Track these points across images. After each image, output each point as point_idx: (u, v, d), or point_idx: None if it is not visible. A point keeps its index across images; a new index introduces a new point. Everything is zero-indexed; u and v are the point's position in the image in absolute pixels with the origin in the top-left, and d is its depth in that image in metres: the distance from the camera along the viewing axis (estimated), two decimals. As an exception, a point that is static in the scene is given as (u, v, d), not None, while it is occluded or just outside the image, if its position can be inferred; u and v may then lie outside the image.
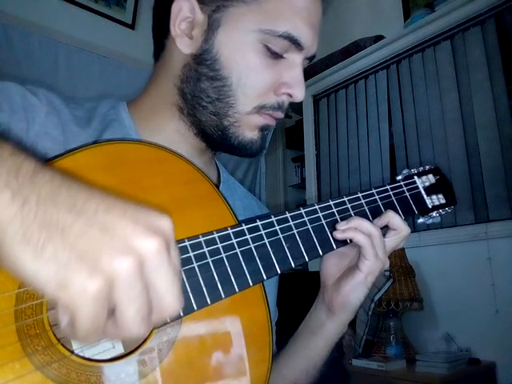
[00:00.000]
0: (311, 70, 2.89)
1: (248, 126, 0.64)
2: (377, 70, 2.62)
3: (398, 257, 2.12)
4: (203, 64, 0.62)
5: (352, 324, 2.05)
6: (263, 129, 0.66)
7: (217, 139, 0.65)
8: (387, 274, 1.98)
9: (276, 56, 0.62)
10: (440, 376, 1.77)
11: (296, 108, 3.17)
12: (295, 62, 0.64)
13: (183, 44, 0.63)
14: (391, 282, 1.99)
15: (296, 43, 0.62)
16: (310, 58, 0.67)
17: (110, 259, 0.32)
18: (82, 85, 2.53)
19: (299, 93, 0.64)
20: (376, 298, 1.99)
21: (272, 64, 0.62)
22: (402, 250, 2.15)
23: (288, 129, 3.46)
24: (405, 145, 2.43)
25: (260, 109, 0.63)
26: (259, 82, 0.62)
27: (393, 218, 0.64)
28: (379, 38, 2.58)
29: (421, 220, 0.74)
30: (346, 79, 2.77)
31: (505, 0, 2.08)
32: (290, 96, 0.64)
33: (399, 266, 2.10)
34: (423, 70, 2.39)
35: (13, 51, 2.30)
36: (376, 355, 2.01)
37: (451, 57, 2.27)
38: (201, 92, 0.63)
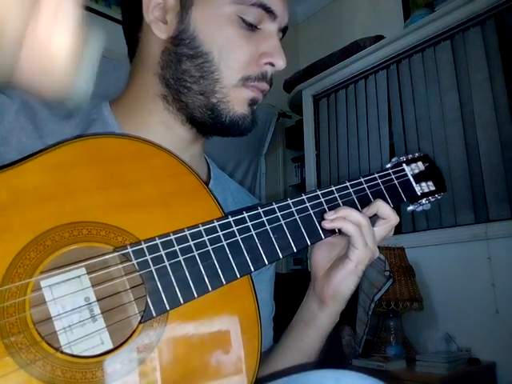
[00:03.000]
0: (311, 70, 2.88)
1: (237, 101, 0.64)
2: (377, 70, 2.62)
3: (398, 257, 2.11)
4: (182, 44, 0.62)
5: (352, 324, 2.04)
6: (252, 103, 0.66)
7: (207, 121, 0.65)
8: (387, 274, 1.97)
9: (252, 28, 0.63)
10: (440, 376, 1.76)
11: (296, 108, 3.16)
12: (271, 32, 0.65)
13: (159, 30, 0.63)
14: (391, 282, 1.98)
15: (269, 11, 0.63)
16: (283, 30, 0.68)
17: None
18: (81, 85, 2.53)
19: (280, 60, 0.65)
20: (376, 297, 1.98)
21: (249, 36, 0.63)
22: (402, 250, 2.14)
23: (288, 129, 3.45)
24: (405, 145, 2.43)
25: (245, 81, 0.64)
26: (240, 53, 0.63)
27: (382, 207, 0.64)
28: (379, 38, 2.57)
29: (410, 207, 0.73)
30: (346, 79, 2.76)
31: (505, 0, 2.08)
32: (272, 65, 0.65)
33: (399, 266, 2.09)
34: (423, 69, 2.38)
35: (13, 52, 2.31)
36: (376, 355, 2.00)
37: (451, 57, 2.27)
38: (183, 73, 0.63)
